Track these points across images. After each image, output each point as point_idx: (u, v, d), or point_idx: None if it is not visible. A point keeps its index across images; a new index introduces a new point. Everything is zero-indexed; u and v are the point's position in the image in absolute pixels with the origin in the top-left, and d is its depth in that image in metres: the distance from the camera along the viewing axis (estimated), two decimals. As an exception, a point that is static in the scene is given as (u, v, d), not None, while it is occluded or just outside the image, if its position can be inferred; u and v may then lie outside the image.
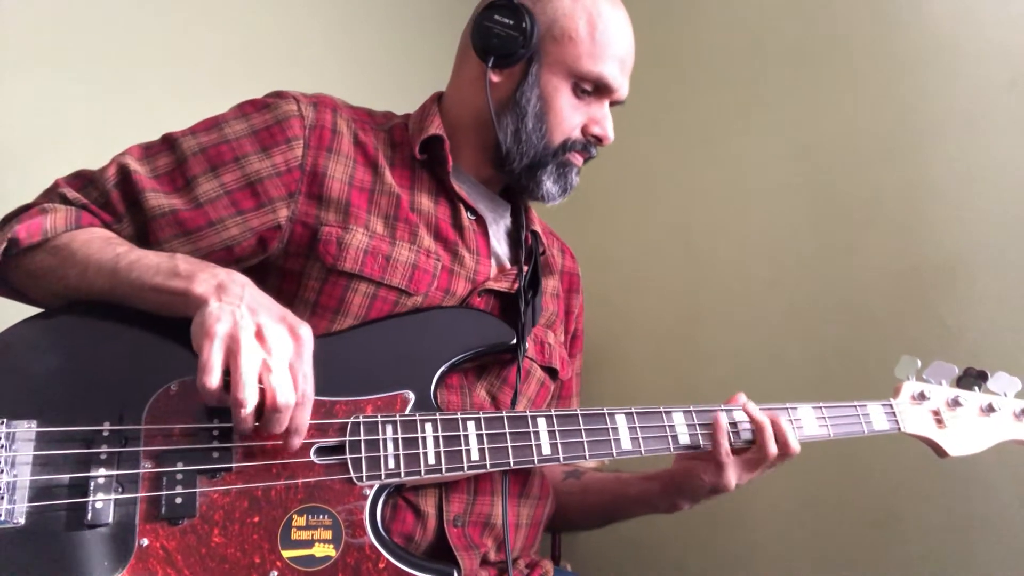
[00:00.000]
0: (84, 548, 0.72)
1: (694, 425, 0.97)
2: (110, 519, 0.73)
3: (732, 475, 0.97)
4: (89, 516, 0.72)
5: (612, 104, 1.04)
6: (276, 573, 0.76)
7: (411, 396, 0.88)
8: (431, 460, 0.84)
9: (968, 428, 1.11)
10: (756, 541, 1.91)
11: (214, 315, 0.74)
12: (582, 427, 0.92)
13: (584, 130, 1.02)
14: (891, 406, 1.09)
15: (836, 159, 1.85)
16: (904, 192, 1.72)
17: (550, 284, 1.14)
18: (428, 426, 0.86)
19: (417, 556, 0.84)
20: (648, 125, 2.30)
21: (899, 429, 1.08)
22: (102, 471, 0.74)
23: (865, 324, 1.74)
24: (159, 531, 0.74)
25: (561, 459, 0.90)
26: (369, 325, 0.93)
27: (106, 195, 0.91)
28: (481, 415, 0.88)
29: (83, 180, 0.93)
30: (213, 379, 0.71)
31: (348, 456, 0.82)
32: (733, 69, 2.10)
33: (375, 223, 0.96)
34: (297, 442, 0.78)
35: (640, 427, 0.95)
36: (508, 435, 0.88)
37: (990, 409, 1.12)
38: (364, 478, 0.81)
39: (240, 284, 0.79)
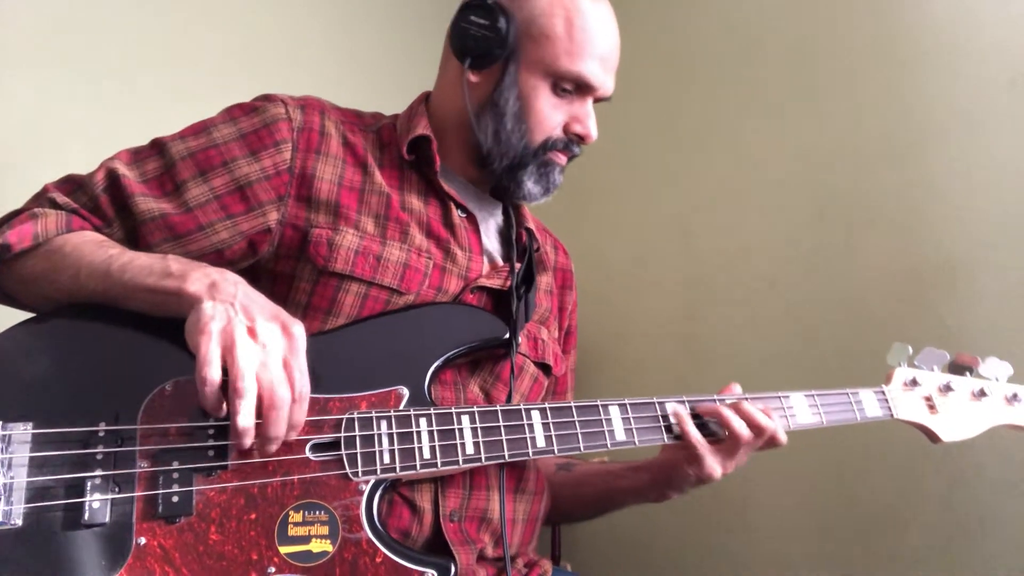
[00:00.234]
0: (82, 548, 0.72)
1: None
2: (107, 519, 0.73)
3: (712, 464, 0.96)
4: (86, 516, 0.72)
5: (597, 101, 1.04)
6: (274, 569, 0.76)
7: (405, 392, 0.88)
8: (426, 454, 0.85)
9: (960, 413, 1.12)
10: (756, 541, 1.91)
11: (208, 313, 0.75)
12: (576, 419, 0.93)
13: (566, 129, 1.02)
14: (883, 392, 1.10)
15: (836, 159, 1.86)
16: (904, 192, 1.72)
17: (543, 280, 1.14)
18: (423, 421, 0.86)
19: (414, 550, 0.84)
20: (648, 124, 2.32)
21: (891, 415, 1.09)
22: (98, 471, 0.74)
23: (865, 323, 1.75)
24: (156, 530, 0.74)
25: (556, 451, 0.90)
26: (362, 323, 0.93)
27: (95, 199, 0.92)
28: (475, 409, 0.89)
29: (72, 185, 0.94)
30: (213, 371, 0.71)
31: (343, 452, 0.82)
32: (733, 69, 2.11)
33: (365, 223, 0.97)
34: (292, 435, 0.77)
35: (634, 418, 0.95)
36: (502, 428, 0.89)
37: (982, 394, 1.13)
38: (360, 473, 0.81)
39: (233, 283, 0.80)
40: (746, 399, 0.99)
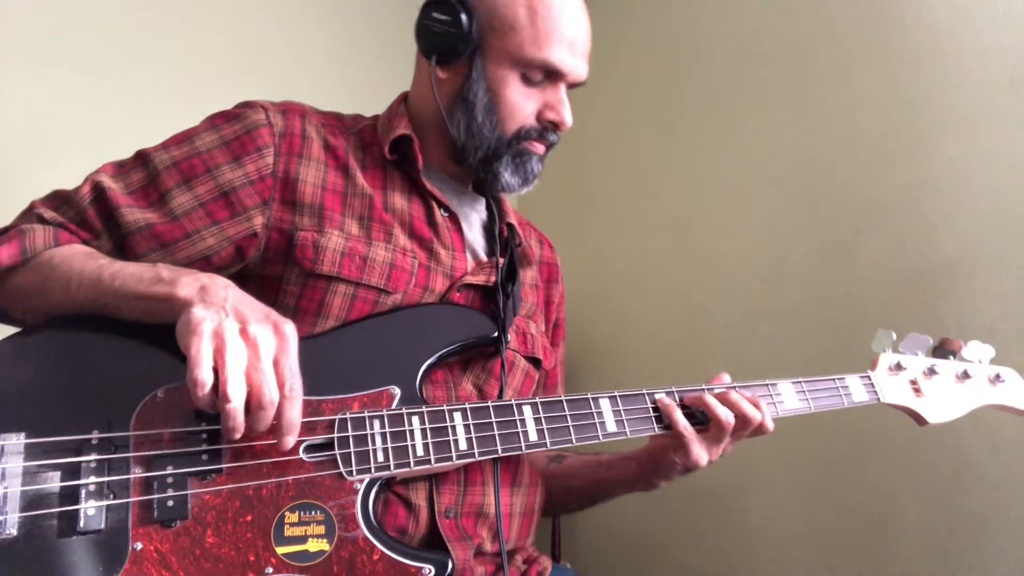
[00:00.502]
0: (78, 555, 0.72)
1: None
2: (102, 525, 0.73)
3: (698, 452, 0.97)
4: (81, 523, 0.72)
5: (572, 87, 1.04)
6: (271, 569, 0.76)
7: (397, 392, 0.89)
8: (420, 452, 0.85)
9: (945, 395, 1.14)
10: (756, 541, 1.91)
11: (199, 315, 0.75)
12: (567, 412, 0.93)
13: (539, 117, 1.02)
14: (869, 377, 1.12)
15: (836, 159, 1.86)
16: (904, 192, 1.72)
17: (529, 275, 1.15)
18: (415, 419, 0.87)
19: (411, 547, 0.84)
20: (648, 123, 2.32)
21: (878, 399, 1.11)
22: (92, 478, 0.74)
23: (864, 323, 1.73)
24: (152, 534, 0.74)
25: (548, 444, 0.91)
26: (352, 325, 0.94)
27: (82, 213, 0.92)
28: (467, 406, 0.90)
29: (59, 200, 0.94)
30: (204, 372, 0.71)
31: (337, 452, 0.82)
32: (733, 69, 2.12)
33: (350, 225, 0.98)
34: (291, 441, 0.78)
35: (624, 409, 0.96)
36: (495, 423, 0.90)
37: (965, 376, 1.14)
38: (354, 472, 0.82)
39: (223, 286, 0.80)
40: (735, 388, 1.00)
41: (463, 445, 0.87)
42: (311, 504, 0.80)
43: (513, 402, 0.92)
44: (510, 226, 1.12)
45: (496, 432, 0.89)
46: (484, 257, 1.08)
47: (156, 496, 0.75)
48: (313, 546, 0.79)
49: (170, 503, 0.75)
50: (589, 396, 0.96)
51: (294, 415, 0.77)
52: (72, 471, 0.74)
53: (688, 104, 2.23)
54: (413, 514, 0.90)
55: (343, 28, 2.34)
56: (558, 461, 1.16)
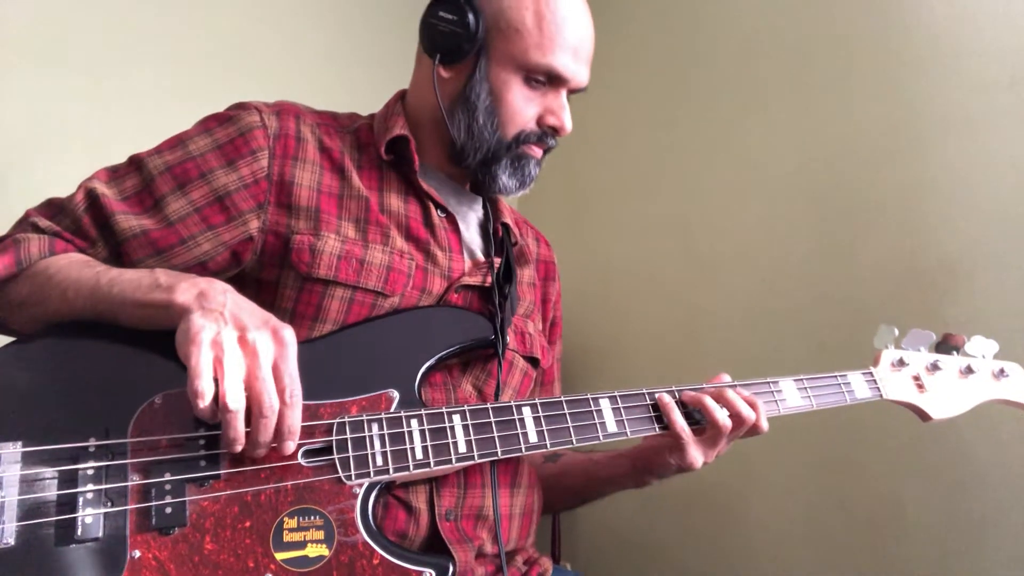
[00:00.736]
0: (76, 564, 0.71)
1: (679, 404, 0.98)
2: (100, 533, 0.73)
3: (694, 453, 0.97)
4: (79, 531, 0.72)
5: (572, 92, 1.04)
6: (271, 575, 0.76)
7: (395, 395, 0.88)
8: (419, 455, 0.85)
9: (949, 391, 1.13)
10: (756, 541, 1.91)
11: (197, 323, 0.75)
12: (567, 413, 0.93)
13: (540, 121, 1.02)
14: (871, 374, 1.11)
15: (836, 159, 1.86)
16: (904, 192, 1.72)
17: (526, 274, 1.15)
18: (414, 422, 0.86)
19: (411, 550, 0.84)
20: (647, 124, 2.32)
21: (880, 396, 1.10)
22: (90, 486, 0.74)
23: (864, 323, 1.72)
24: (150, 542, 0.74)
25: (548, 446, 0.91)
26: (350, 328, 0.93)
27: (77, 221, 0.92)
28: (466, 408, 0.89)
29: (53, 208, 0.94)
30: (204, 383, 0.71)
31: (335, 456, 0.82)
32: (733, 69, 2.12)
33: (346, 228, 0.97)
34: (291, 446, 0.78)
35: (624, 408, 0.96)
36: (494, 425, 0.89)
37: (969, 371, 1.14)
38: (353, 476, 0.81)
39: (221, 291, 0.80)
40: (734, 386, 1.00)
41: (462, 447, 0.87)
42: (310, 509, 0.80)
43: (512, 403, 0.92)
44: (505, 226, 1.12)
45: (495, 434, 0.89)
46: (481, 258, 1.08)
47: (154, 503, 0.75)
48: (312, 551, 0.78)
49: (168, 510, 0.75)
50: (589, 396, 0.95)
51: (294, 421, 0.77)
52: (69, 479, 0.74)
53: (688, 104, 2.23)
54: (414, 517, 0.89)
55: (342, 27, 2.34)
56: (553, 460, 1.16)
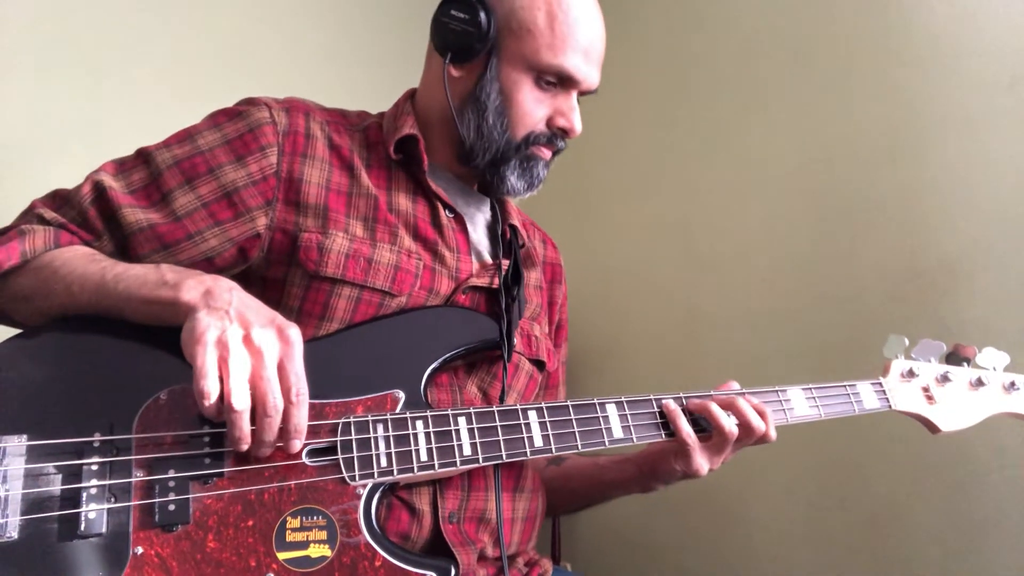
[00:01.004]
0: (78, 559, 0.71)
1: (684, 411, 0.98)
2: (103, 529, 0.73)
3: (699, 460, 0.96)
4: (82, 527, 0.72)
5: (583, 94, 1.03)
6: (272, 575, 0.76)
7: (401, 395, 0.88)
8: (423, 457, 0.84)
9: (958, 403, 1.12)
10: (756, 541, 1.91)
11: (203, 322, 0.75)
12: (573, 418, 0.92)
13: (549, 123, 1.01)
14: (880, 384, 1.10)
15: (836, 159, 1.85)
16: (904, 192, 1.72)
17: (533, 276, 1.14)
18: (419, 423, 0.86)
19: (413, 552, 0.84)
20: (648, 124, 2.31)
21: (890, 406, 1.09)
22: (94, 481, 0.74)
23: (865, 323, 1.74)
24: (153, 539, 0.74)
25: (554, 450, 0.90)
26: (356, 328, 0.93)
27: (83, 213, 0.91)
28: (472, 410, 0.89)
29: (59, 200, 0.93)
30: (210, 383, 0.71)
31: (340, 456, 0.82)
32: (733, 69, 2.11)
33: (354, 226, 0.96)
34: (297, 444, 0.78)
35: (631, 415, 0.95)
36: (499, 429, 0.89)
37: (979, 383, 1.13)
38: (357, 477, 0.81)
39: (227, 289, 0.79)
40: (743, 394, 0.99)
41: (467, 451, 0.86)
42: (313, 509, 0.79)
43: (519, 407, 0.91)
44: (513, 227, 1.11)
45: (501, 437, 0.88)
46: (489, 259, 1.07)
47: (158, 500, 0.75)
48: (315, 552, 0.78)
49: (171, 507, 0.75)
50: (596, 401, 0.94)
51: (300, 420, 0.77)
52: (74, 474, 0.74)
53: (688, 104, 2.23)
54: (417, 519, 0.89)
55: (342, 28, 2.33)
56: (557, 463, 1.15)
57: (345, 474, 0.81)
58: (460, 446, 0.86)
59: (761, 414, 0.96)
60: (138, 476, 0.75)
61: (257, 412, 0.74)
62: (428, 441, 0.85)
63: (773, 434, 0.97)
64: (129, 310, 0.81)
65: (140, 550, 0.73)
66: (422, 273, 0.97)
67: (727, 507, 1.96)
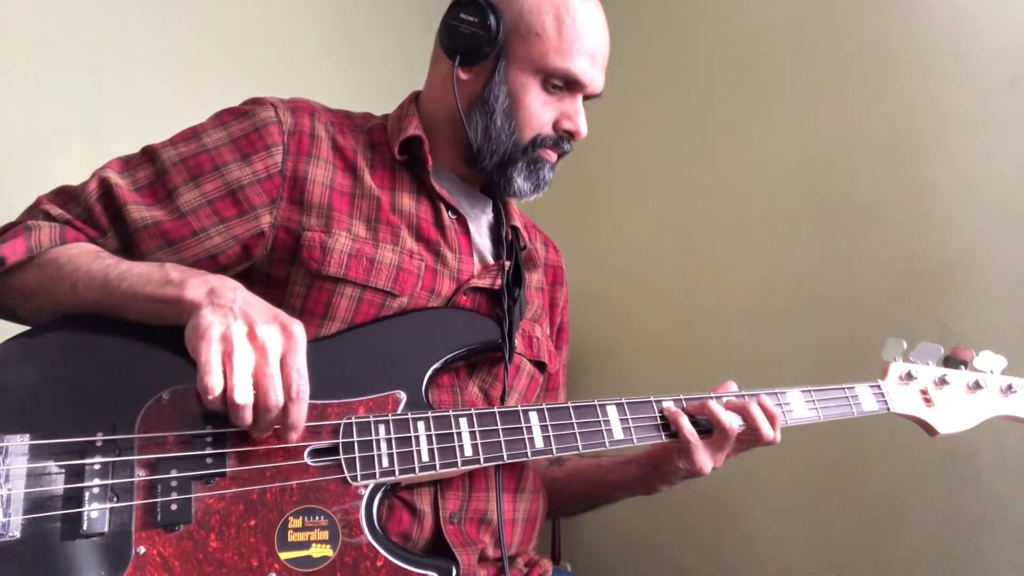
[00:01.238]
0: (80, 558, 0.72)
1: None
2: (105, 528, 0.73)
3: (702, 458, 0.97)
4: (84, 526, 0.72)
5: (588, 98, 1.04)
6: (274, 575, 0.76)
7: (403, 396, 0.88)
8: (425, 457, 0.85)
9: (956, 405, 1.12)
10: (756, 541, 1.92)
11: (207, 318, 0.75)
12: (574, 419, 0.93)
13: (556, 126, 1.02)
14: (879, 387, 1.10)
15: (836, 159, 1.86)
16: (904, 192, 1.72)
17: (534, 278, 1.15)
18: (420, 424, 0.86)
19: (415, 553, 0.84)
20: (648, 124, 2.32)
21: (888, 409, 1.09)
22: (96, 481, 0.74)
23: (864, 323, 1.75)
24: (155, 538, 0.74)
25: (554, 451, 0.91)
26: (358, 328, 0.93)
27: (89, 210, 0.91)
28: (473, 411, 0.89)
29: (65, 196, 0.94)
30: (214, 379, 0.71)
31: (342, 457, 0.82)
32: (733, 69, 2.11)
33: (357, 226, 0.97)
34: (294, 436, 0.78)
35: (631, 417, 0.96)
36: (500, 430, 0.89)
37: (977, 386, 1.13)
38: (359, 477, 0.81)
39: (231, 288, 0.80)
40: (742, 395, 1.00)
41: (468, 451, 0.87)
42: (315, 509, 0.80)
43: (519, 408, 0.91)
44: (514, 229, 1.11)
45: (502, 439, 0.89)
46: (491, 260, 1.07)
47: (160, 499, 0.75)
48: (316, 552, 0.78)
49: (174, 507, 0.75)
50: (596, 403, 0.95)
51: (299, 416, 0.77)
52: (76, 473, 0.74)
53: (688, 104, 2.23)
54: (418, 520, 0.89)
55: (342, 28, 2.33)
56: (559, 464, 1.15)
57: (347, 474, 0.81)
58: (461, 447, 0.87)
59: (770, 417, 0.97)
60: (140, 476, 0.76)
61: (258, 407, 0.75)
62: (429, 442, 0.85)
63: (778, 437, 0.98)
64: (133, 308, 0.82)
65: (142, 549, 0.73)
66: (424, 274, 0.98)
67: (727, 507, 1.97)
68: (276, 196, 0.95)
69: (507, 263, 1.05)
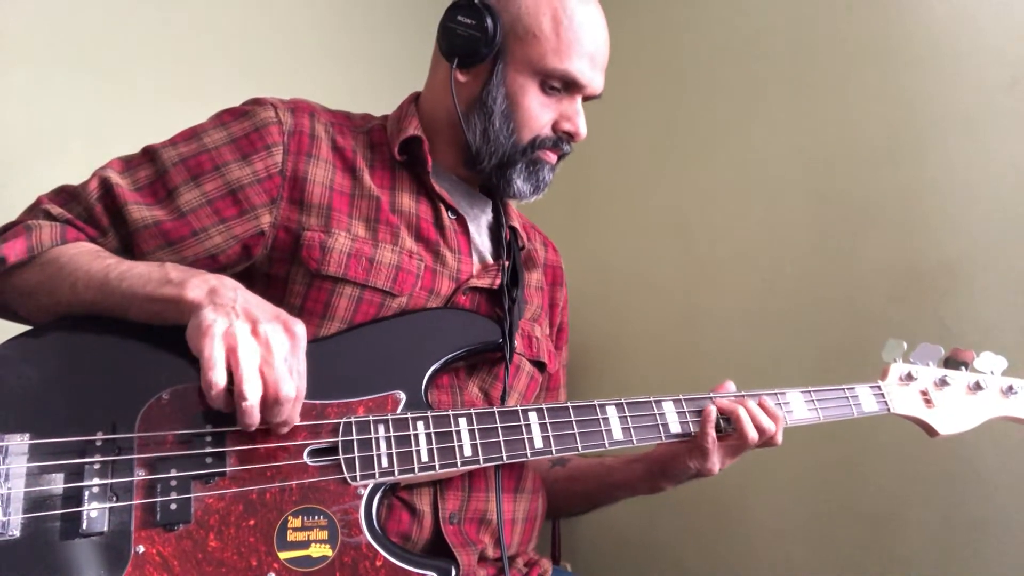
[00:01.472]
0: (80, 558, 0.72)
1: (684, 413, 0.99)
2: (105, 528, 0.73)
3: (716, 460, 0.98)
4: (84, 525, 0.72)
5: (587, 99, 1.04)
6: (273, 574, 0.76)
7: (402, 396, 0.88)
8: (424, 458, 0.85)
9: (957, 406, 1.12)
10: (756, 541, 1.92)
11: (209, 317, 0.75)
12: (573, 419, 0.93)
13: (555, 127, 1.02)
14: (879, 388, 1.10)
15: (836, 159, 1.86)
16: (904, 192, 1.72)
17: (534, 278, 1.15)
18: (420, 424, 0.86)
19: (414, 553, 0.84)
20: (648, 124, 2.32)
21: (888, 410, 1.09)
22: (96, 480, 0.74)
23: (864, 323, 1.75)
24: (155, 538, 0.74)
25: (554, 452, 0.91)
26: (358, 329, 0.93)
27: (89, 209, 0.91)
28: (472, 411, 0.89)
29: (66, 196, 0.94)
30: (218, 374, 0.72)
31: (341, 456, 0.82)
32: (733, 69, 2.11)
33: (357, 226, 0.97)
34: (284, 430, 0.78)
35: (631, 417, 0.96)
36: (500, 430, 0.89)
37: (977, 387, 1.13)
38: (358, 477, 0.81)
39: (232, 287, 0.80)
40: (743, 396, 1.00)
41: (468, 451, 0.87)
42: (314, 509, 0.80)
43: (519, 408, 0.91)
44: (513, 229, 1.11)
45: (501, 439, 0.89)
46: (491, 260, 1.08)
47: (159, 499, 0.75)
48: (316, 551, 0.78)
49: (173, 506, 0.75)
50: (596, 403, 0.95)
51: (294, 415, 0.78)
52: (76, 473, 0.74)
53: (688, 104, 2.23)
54: (417, 520, 0.89)
55: (342, 28, 2.33)
56: (561, 464, 1.16)
57: (346, 474, 0.81)
58: (461, 447, 0.87)
59: (773, 418, 0.98)
60: (140, 475, 0.76)
61: (268, 401, 0.75)
62: (429, 442, 0.86)
63: (780, 438, 0.99)
64: (133, 308, 0.82)
65: (141, 549, 0.73)
66: (423, 274, 0.98)
67: (727, 507, 1.97)
68: (276, 196, 0.95)
69: (506, 263, 1.05)
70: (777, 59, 2.02)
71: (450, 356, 0.94)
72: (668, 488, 1.07)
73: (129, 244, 0.92)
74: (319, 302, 0.93)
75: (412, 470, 0.84)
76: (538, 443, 0.90)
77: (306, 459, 0.81)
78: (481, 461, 0.87)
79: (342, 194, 0.98)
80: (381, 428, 0.84)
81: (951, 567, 1.57)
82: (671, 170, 2.25)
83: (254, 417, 0.74)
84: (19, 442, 0.74)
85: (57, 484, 0.73)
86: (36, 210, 0.93)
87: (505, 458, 0.88)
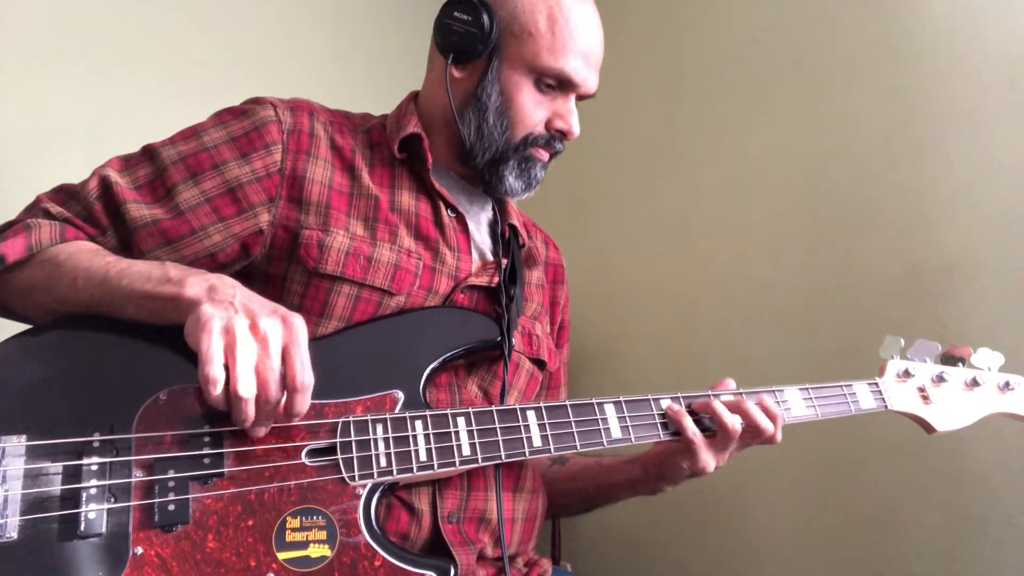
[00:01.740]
0: (78, 559, 0.71)
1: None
2: (103, 529, 0.73)
3: (705, 458, 0.96)
4: (82, 527, 0.72)
5: (581, 98, 1.04)
6: (272, 575, 0.76)
7: (400, 395, 0.88)
8: (423, 457, 0.85)
9: (954, 403, 1.12)
10: (756, 541, 1.92)
11: (208, 312, 0.75)
12: (572, 418, 0.93)
13: (548, 125, 1.03)
14: (877, 384, 1.10)
15: (836, 159, 1.86)
16: (904, 192, 1.72)
17: (534, 275, 1.15)
18: (418, 424, 0.86)
19: (413, 552, 0.84)
20: (648, 124, 2.32)
21: (885, 407, 1.09)
22: (93, 481, 0.74)
23: (865, 324, 1.75)
24: (153, 539, 0.74)
25: (552, 450, 0.90)
26: (356, 328, 0.93)
27: (89, 208, 0.92)
28: (471, 411, 0.89)
29: (65, 194, 0.94)
30: (215, 369, 0.72)
31: (339, 456, 0.82)
32: (733, 69, 2.11)
33: (355, 225, 0.97)
34: (294, 421, 0.78)
35: (629, 415, 0.95)
36: (498, 429, 0.89)
37: (974, 383, 1.13)
38: (356, 477, 0.81)
39: (231, 285, 0.80)
40: (741, 394, 1.00)
41: (466, 451, 0.87)
42: (313, 509, 0.80)
43: (517, 407, 0.91)
44: (512, 227, 1.11)
45: (500, 437, 0.89)
46: (490, 257, 1.08)
47: (157, 500, 0.75)
48: (314, 552, 0.78)
49: (171, 507, 0.75)
50: (594, 402, 0.95)
51: (303, 406, 0.77)
52: (73, 474, 0.74)
53: (688, 104, 2.23)
54: (416, 519, 0.89)
55: (342, 28, 2.33)
56: (561, 463, 1.16)
57: (344, 474, 0.81)
58: (459, 446, 0.87)
59: (771, 416, 0.97)
60: (138, 476, 0.76)
61: (259, 399, 0.75)
62: (427, 441, 0.85)
63: (779, 436, 0.98)
64: (132, 306, 0.82)
65: (140, 550, 0.73)
66: (421, 272, 0.98)
67: (727, 507, 1.97)
68: (275, 194, 0.95)
69: (504, 260, 1.05)
70: (777, 59, 2.01)
71: (448, 355, 0.94)
72: (666, 489, 1.07)
73: (128, 242, 0.92)
74: (317, 301, 0.93)
75: (410, 470, 0.84)
76: (536, 442, 0.90)
77: (304, 459, 0.81)
78: (479, 460, 0.87)
79: (341, 193, 0.98)
80: (379, 428, 0.84)
81: (951, 567, 1.57)
82: (671, 170, 2.25)
83: (248, 414, 0.74)
84: (16, 444, 0.74)
85: (55, 486, 0.73)
86: (35, 209, 0.93)
87: (503, 457, 0.88)
